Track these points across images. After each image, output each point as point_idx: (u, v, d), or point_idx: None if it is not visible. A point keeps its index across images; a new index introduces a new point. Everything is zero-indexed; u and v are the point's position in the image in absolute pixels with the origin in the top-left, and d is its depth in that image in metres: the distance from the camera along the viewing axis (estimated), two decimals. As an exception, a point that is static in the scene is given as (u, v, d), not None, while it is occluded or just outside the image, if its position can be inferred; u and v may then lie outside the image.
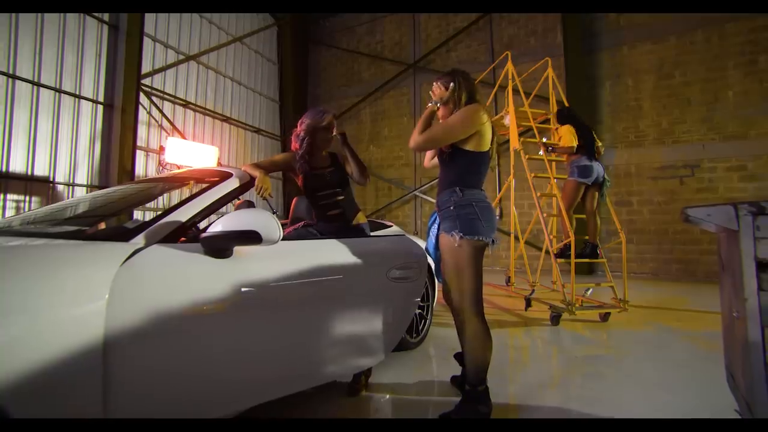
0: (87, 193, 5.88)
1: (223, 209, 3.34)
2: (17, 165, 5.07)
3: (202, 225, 1.44)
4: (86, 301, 0.91)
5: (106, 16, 6.20)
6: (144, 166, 6.74)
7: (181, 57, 7.52)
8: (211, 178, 1.65)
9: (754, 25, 6.20)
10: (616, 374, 2.26)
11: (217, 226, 1.18)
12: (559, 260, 3.64)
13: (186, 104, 7.56)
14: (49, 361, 0.81)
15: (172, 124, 7.14)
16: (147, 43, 6.69)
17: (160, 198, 6.11)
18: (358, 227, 2.03)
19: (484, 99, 5.74)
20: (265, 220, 1.16)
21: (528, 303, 3.75)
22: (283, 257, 1.42)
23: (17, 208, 5.06)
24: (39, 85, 5.30)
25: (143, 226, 1.19)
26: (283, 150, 10.17)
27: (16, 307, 0.81)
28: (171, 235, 1.20)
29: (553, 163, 4.24)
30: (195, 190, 1.46)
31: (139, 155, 6.59)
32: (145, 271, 1.05)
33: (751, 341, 1.14)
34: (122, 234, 1.13)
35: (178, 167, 6.66)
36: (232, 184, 1.53)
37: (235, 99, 8.93)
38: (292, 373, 1.46)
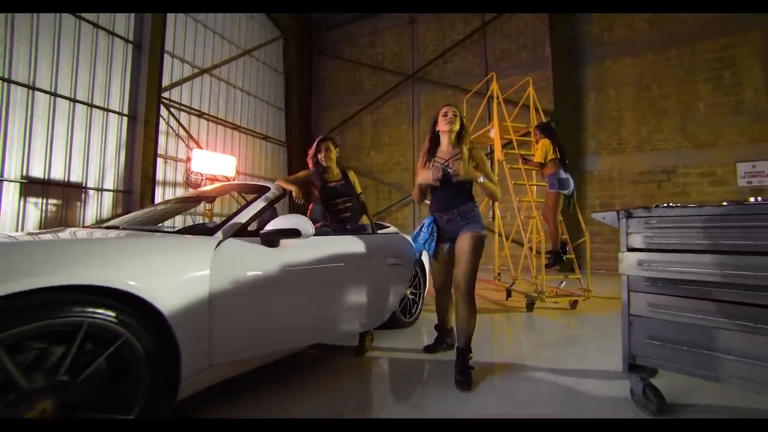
0: (115, 195, 6.49)
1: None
2: (56, 173, 5.67)
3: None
4: (199, 270, 1.49)
5: (131, 36, 6.80)
6: (164, 173, 7.34)
7: (196, 71, 8.13)
8: (253, 191, 2.24)
9: (720, 45, 6.78)
10: (568, 343, 2.83)
11: (270, 225, 1.76)
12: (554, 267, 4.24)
13: (200, 114, 8.17)
14: (186, 303, 1.40)
15: (188, 133, 7.75)
16: (166, 59, 7.29)
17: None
18: (362, 227, 2.62)
19: (477, 108, 6.31)
20: (303, 222, 1.75)
21: (508, 293, 4.33)
22: (311, 248, 2.00)
23: (56, 212, 5.66)
24: (74, 101, 5.90)
25: (219, 225, 1.77)
26: (288, 155, 10.78)
27: (163, 270, 1.40)
28: (237, 232, 1.78)
29: (534, 173, 4.80)
30: (235, 197, 2.05)
31: (160, 163, 7.19)
32: (227, 254, 1.62)
33: (623, 303, 1.73)
34: (209, 231, 1.72)
35: (200, 175, 7.28)
36: (271, 194, 2.12)
37: (245, 108, 9.54)
38: (318, 327, 2.05)
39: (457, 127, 2.22)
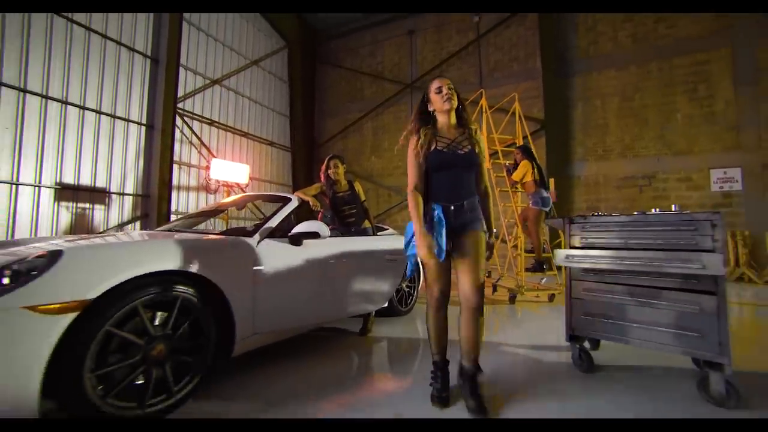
0: (134, 199, 7.02)
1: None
2: (84, 179, 6.20)
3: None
4: (246, 263, 2.02)
5: (149, 51, 7.34)
6: (179, 178, 7.87)
7: (208, 82, 8.67)
8: (278, 201, 2.77)
9: (695, 60, 7.32)
10: (537, 326, 3.36)
11: (296, 229, 2.29)
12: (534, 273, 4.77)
13: (211, 123, 8.70)
14: (238, 286, 1.92)
15: (200, 140, 8.28)
16: (180, 71, 7.82)
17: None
18: (365, 230, 3.16)
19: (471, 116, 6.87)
20: (321, 226, 2.28)
21: (494, 288, 4.86)
22: (327, 246, 2.53)
23: (84, 215, 6.19)
24: (100, 112, 6.44)
25: (255, 230, 2.30)
26: (292, 159, 11.31)
27: (224, 263, 1.92)
28: (270, 234, 2.31)
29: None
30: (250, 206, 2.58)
31: (175, 169, 7.71)
32: (264, 251, 2.15)
33: (566, 289, 2.25)
34: (249, 233, 2.24)
35: (218, 181, 7.86)
36: (293, 204, 2.65)
37: (252, 116, 10.07)
38: (332, 307, 2.60)
39: (456, 103, 1.86)
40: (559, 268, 5.03)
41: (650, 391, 1.91)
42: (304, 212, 3.00)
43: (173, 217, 7.47)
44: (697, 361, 1.95)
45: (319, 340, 2.92)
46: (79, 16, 6.13)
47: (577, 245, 2.19)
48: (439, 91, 1.86)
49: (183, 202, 8.02)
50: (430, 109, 1.92)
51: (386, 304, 3.20)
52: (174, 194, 7.69)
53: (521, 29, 9.39)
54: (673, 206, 2.07)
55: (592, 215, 2.15)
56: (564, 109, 8.74)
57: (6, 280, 1.25)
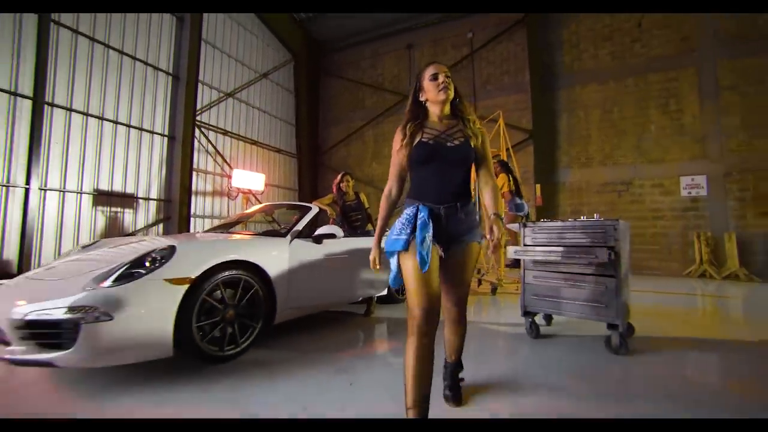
0: (158, 204, 7.76)
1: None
2: (116, 185, 6.95)
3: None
4: (283, 256, 2.76)
5: (171, 69, 8.10)
6: (196, 184, 8.62)
7: (222, 95, 9.43)
8: (300, 209, 3.52)
9: (667, 77, 8.07)
10: (508, 309, 4.09)
11: (318, 231, 3.03)
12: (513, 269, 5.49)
13: (225, 133, 9.46)
14: (278, 272, 2.66)
15: (216, 149, 9.04)
16: (198, 86, 8.58)
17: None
18: (368, 231, 3.90)
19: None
20: (337, 229, 3.02)
21: (479, 282, 5.60)
22: (340, 244, 3.27)
23: (116, 218, 6.93)
24: (129, 126, 7.19)
25: (288, 231, 3.04)
26: (298, 165, 12.06)
27: (269, 255, 2.67)
28: (298, 235, 3.05)
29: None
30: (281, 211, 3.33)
31: (194, 175, 8.47)
32: (294, 248, 2.89)
33: (521, 276, 2.99)
34: (283, 235, 2.98)
35: (237, 189, 8.65)
36: (314, 211, 3.40)
37: (261, 125, 10.83)
38: (345, 291, 3.34)
39: (452, 93, 1.65)
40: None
41: (573, 347, 2.65)
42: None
43: (192, 220, 8.24)
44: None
45: (332, 320, 3.66)
46: (115, 41, 6.89)
47: (528, 243, 2.93)
48: (435, 78, 1.62)
49: (200, 206, 8.77)
50: (422, 98, 1.67)
51: (386, 292, 3.94)
52: (193, 199, 8.44)
53: (511, 45, 10.14)
54: (595, 215, 2.80)
55: (541, 221, 2.89)
56: (550, 120, 9.48)
57: (148, 264, 2.00)
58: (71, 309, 1.73)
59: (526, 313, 2.96)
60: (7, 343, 1.78)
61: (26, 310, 1.76)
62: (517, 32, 10.00)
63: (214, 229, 3.72)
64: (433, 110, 1.66)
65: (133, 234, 7.13)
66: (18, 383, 2.01)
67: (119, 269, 1.96)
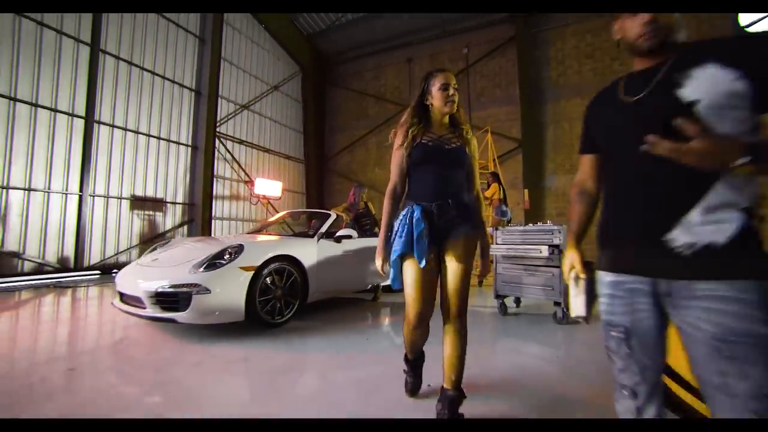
0: (183, 207, 8.65)
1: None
2: (149, 191, 7.85)
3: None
4: (314, 251, 3.65)
5: (194, 86, 8.99)
6: (216, 189, 9.51)
7: (238, 107, 10.33)
8: (321, 216, 4.42)
9: (640, 94, 8.94)
10: (489, 296, 4.98)
11: (339, 233, 3.92)
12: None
13: (241, 142, 10.35)
14: (310, 264, 3.55)
15: (233, 157, 9.93)
16: (218, 100, 9.48)
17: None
18: (375, 233, 4.80)
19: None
20: (353, 231, 3.91)
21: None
22: (354, 243, 4.15)
23: (149, 221, 7.82)
24: (159, 138, 8.09)
25: (315, 233, 3.93)
26: (306, 170, 12.95)
27: (304, 250, 3.56)
28: (322, 236, 3.94)
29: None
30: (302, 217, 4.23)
31: (214, 182, 9.36)
32: (320, 246, 3.78)
33: (494, 268, 3.89)
34: (311, 236, 3.87)
35: (257, 195, 9.61)
36: (333, 217, 4.29)
37: (272, 134, 11.72)
38: (358, 280, 4.23)
39: (455, 107, 1.74)
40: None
41: (530, 320, 3.55)
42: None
43: (213, 222, 9.13)
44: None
45: (345, 304, 4.54)
46: (148, 63, 7.79)
47: (499, 243, 3.82)
48: (445, 88, 1.69)
49: (220, 210, 9.67)
50: (428, 102, 1.74)
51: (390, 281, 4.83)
52: (213, 202, 9.33)
53: (503, 60, 11.03)
54: (548, 221, 3.68)
55: (508, 225, 3.78)
56: (538, 130, 10.36)
57: (227, 256, 2.89)
58: (185, 285, 2.63)
59: (498, 296, 3.85)
60: (143, 307, 2.68)
61: (155, 285, 2.66)
62: (508, 49, 10.88)
63: (251, 232, 4.61)
64: (435, 116, 1.74)
65: (167, 233, 8.02)
66: (149, 338, 2.91)
67: (207, 260, 2.86)
